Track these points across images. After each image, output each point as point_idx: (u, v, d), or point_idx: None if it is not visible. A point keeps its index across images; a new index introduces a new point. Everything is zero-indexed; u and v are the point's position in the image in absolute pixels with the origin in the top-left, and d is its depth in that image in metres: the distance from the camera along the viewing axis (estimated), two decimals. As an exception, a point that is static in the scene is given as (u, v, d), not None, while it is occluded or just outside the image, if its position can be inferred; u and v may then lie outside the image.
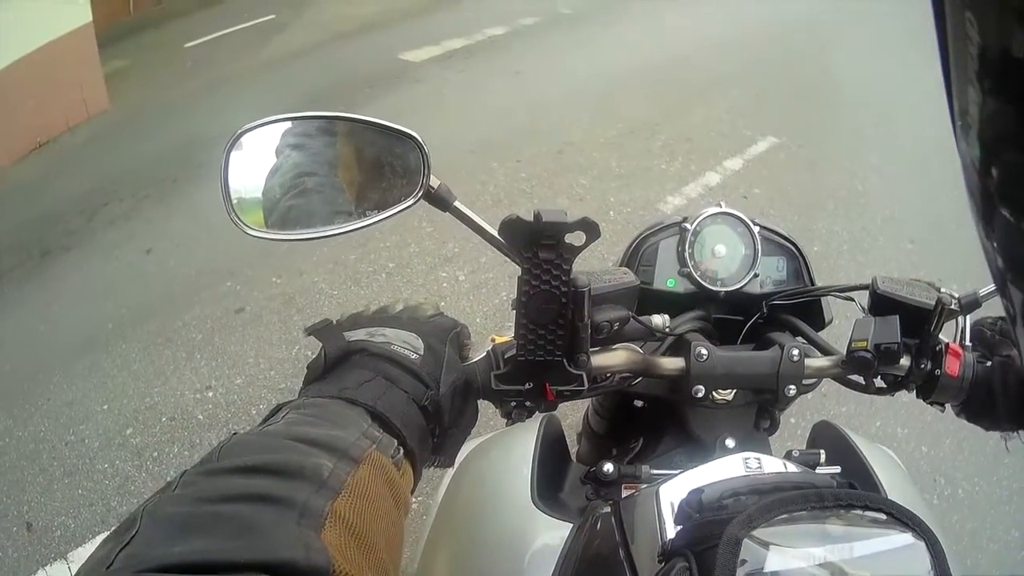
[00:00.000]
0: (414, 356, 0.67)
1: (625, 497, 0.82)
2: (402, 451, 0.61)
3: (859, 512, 0.53)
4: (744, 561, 0.49)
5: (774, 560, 0.49)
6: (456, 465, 1.04)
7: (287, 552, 0.41)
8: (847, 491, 0.56)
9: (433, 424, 0.67)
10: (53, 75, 5.45)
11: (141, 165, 4.98)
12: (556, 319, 0.68)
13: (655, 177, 4.42)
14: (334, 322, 0.71)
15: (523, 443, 1.00)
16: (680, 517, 0.61)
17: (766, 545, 0.50)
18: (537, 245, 0.64)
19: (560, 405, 0.81)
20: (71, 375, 3.14)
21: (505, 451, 1.02)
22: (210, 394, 2.97)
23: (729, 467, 0.72)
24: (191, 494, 0.46)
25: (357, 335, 0.68)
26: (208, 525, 0.42)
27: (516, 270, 0.68)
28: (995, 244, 0.24)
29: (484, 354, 0.75)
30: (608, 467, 0.89)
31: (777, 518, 0.52)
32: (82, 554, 2.36)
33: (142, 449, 2.75)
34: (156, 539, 0.41)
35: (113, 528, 0.43)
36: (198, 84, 6.48)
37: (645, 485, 0.84)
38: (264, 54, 7.24)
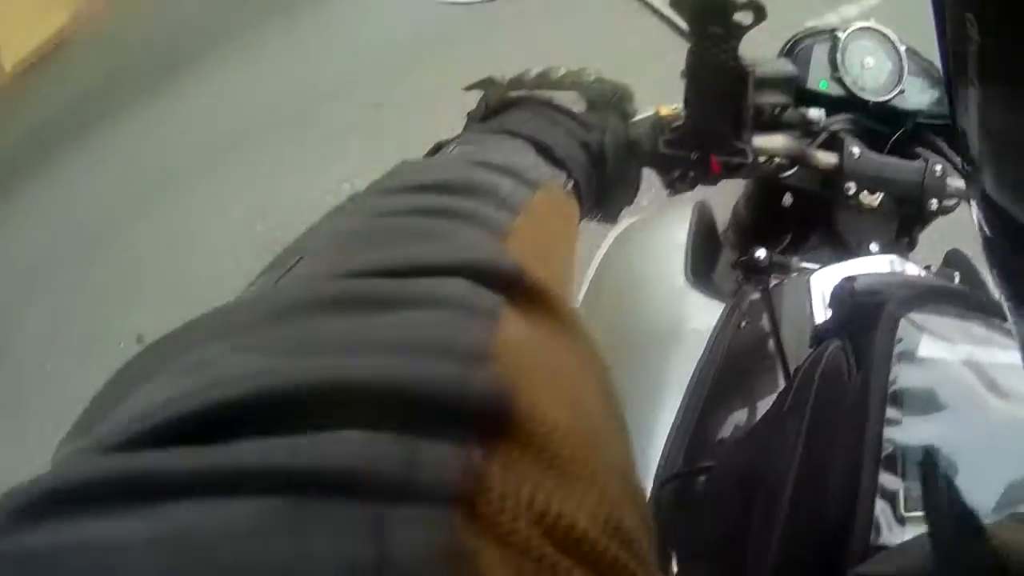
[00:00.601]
0: (576, 108, 0.66)
1: (775, 284, 0.86)
2: (571, 184, 0.59)
3: (999, 321, 0.54)
4: (900, 340, 0.51)
5: (927, 346, 0.51)
6: (604, 248, 1.08)
7: (483, 254, 0.34)
8: (992, 299, 0.57)
9: (599, 169, 0.65)
10: None
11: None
12: (722, 94, 0.70)
13: (793, 5, 4.03)
14: (495, 80, 0.69)
15: (676, 223, 1.02)
16: (833, 301, 0.63)
17: (921, 330, 0.51)
18: (707, 19, 0.66)
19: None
20: (194, 181, 3.14)
21: (657, 230, 1.06)
22: (347, 186, 2.84)
23: (877, 264, 0.74)
24: (364, 210, 0.42)
25: (518, 93, 0.67)
26: (389, 237, 0.37)
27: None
28: (1000, 241, 0.25)
29: (650, 120, 0.77)
30: (761, 253, 0.91)
31: (929, 307, 0.54)
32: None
33: (272, 244, 2.66)
34: (331, 255, 0.36)
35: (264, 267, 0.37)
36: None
37: (795, 275, 0.87)
38: None
